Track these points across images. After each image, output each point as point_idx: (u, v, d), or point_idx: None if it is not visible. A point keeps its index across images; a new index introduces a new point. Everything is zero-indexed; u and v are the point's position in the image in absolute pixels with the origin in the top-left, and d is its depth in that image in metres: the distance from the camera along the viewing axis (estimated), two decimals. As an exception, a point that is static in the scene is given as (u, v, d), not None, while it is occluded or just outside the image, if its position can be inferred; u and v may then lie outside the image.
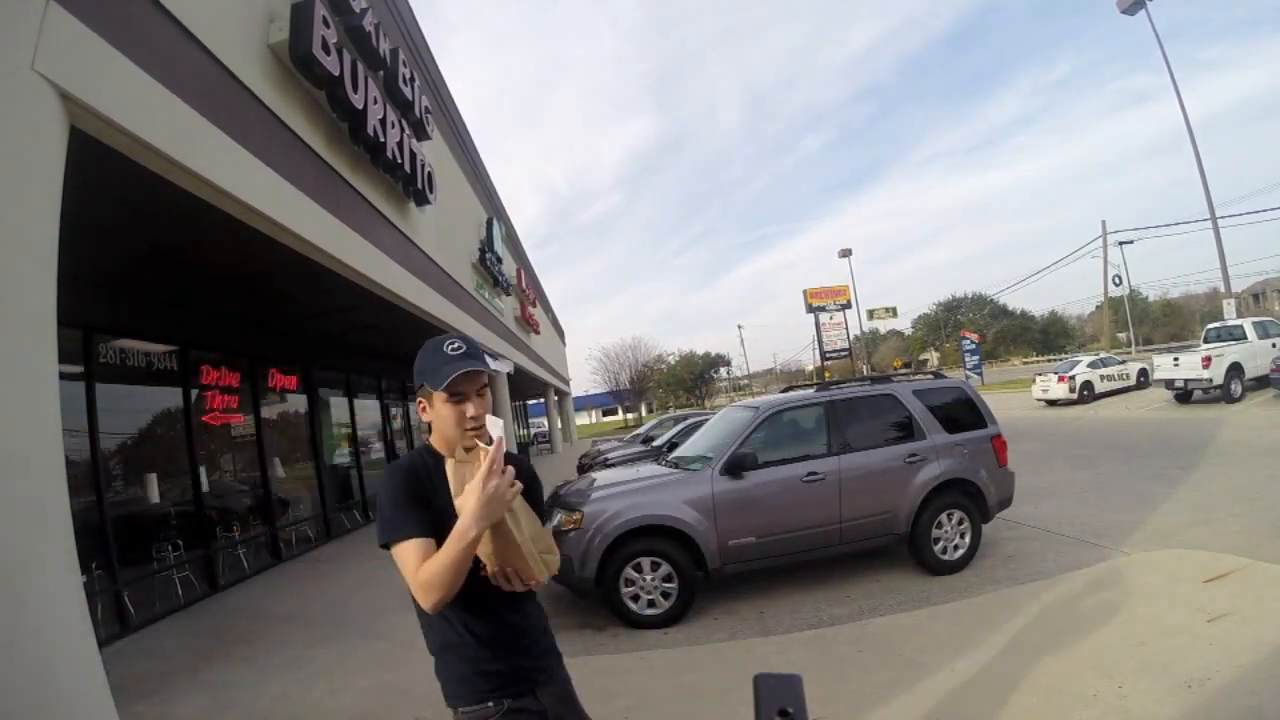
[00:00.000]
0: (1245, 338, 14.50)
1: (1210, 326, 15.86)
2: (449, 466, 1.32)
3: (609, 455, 11.31)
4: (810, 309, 35.16)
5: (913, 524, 4.92)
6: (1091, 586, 3.93)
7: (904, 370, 37.69)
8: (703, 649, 3.87)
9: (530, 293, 17.83)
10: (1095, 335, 51.65)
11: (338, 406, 10.58)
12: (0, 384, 2.12)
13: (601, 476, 5.69)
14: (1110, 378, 19.13)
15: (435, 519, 1.32)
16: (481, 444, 1.29)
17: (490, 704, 1.39)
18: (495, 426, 1.30)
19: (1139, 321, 43.37)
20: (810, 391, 5.57)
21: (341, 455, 10.34)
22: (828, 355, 35.51)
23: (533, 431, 36.37)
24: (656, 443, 11.59)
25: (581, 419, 57.03)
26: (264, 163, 4.05)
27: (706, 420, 7.28)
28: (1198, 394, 14.46)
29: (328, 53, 4.60)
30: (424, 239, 7.59)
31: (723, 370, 62.16)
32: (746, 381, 65.90)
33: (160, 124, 3.07)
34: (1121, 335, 39.81)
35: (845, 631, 3.86)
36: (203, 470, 6.55)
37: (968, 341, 33.60)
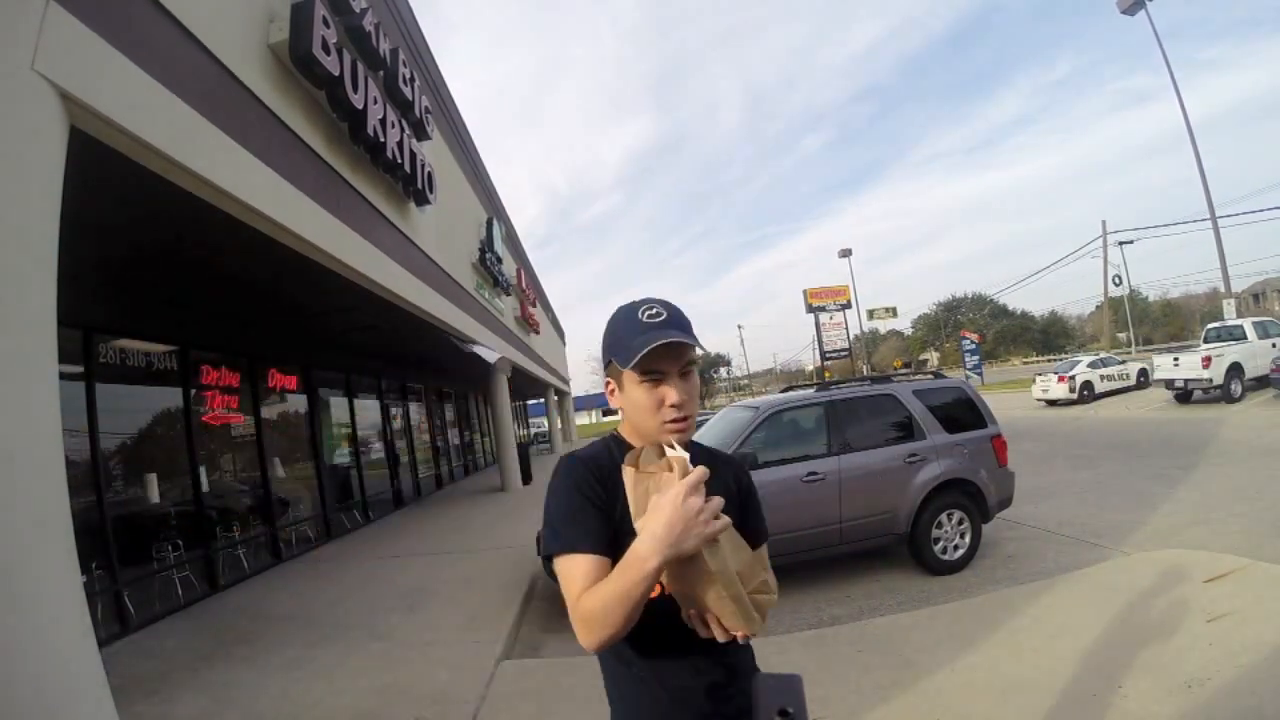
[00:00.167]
0: (1245, 338, 14.51)
1: (1210, 326, 15.86)
2: (627, 476, 1.02)
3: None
4: (810, 309, 35.15)
5: (913, 524, 4.92)
6: (1091, 587, 3.93)
7: (904, 370, 37.68)
8: (703, 649, 3.85)
9: (530, 293, 17.83)
10: (1095, 335, 51.65)
11: (338, 406, 10.57)
12: (0, 384, 2.12)
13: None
14: (1110, 378, 19.14)
15: (616, 530, 1.06)
16: (677, 447, 1.02)
17: None
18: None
19: (1139, 321, 43.38)
20: (810, 391, 5.57)
21: (341, 455, 10.33)
22: (828, 355, 35.51)
23: (533, 431, 36.40)
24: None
25: (581, 419, 57.00)
26: (264, 163, 4.05)
27: (706, 420, 7.28)
28: (1198, 394, 14.46)
29: (328, 53, 4.60)
30: (424, 239, 7.59)
31: (723, 370, 62.17)
32: (746, 381, 65.89)
33: (160, 124, 3.08)
34: (1121, 335, 39.82)
35: (845, 631, 3.86)
36: (203, 470, 6.55)
37: (968, 341, 33.61)
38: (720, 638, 1.00)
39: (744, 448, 4.87)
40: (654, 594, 0.96)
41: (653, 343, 1.03)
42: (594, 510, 1.07)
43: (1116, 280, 31.81)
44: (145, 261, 5.13)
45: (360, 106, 5.15)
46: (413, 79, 6.57)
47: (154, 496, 5.89)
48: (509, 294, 13.90)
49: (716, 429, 5.81)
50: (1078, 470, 8.45)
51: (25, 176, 2.32)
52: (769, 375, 76.64)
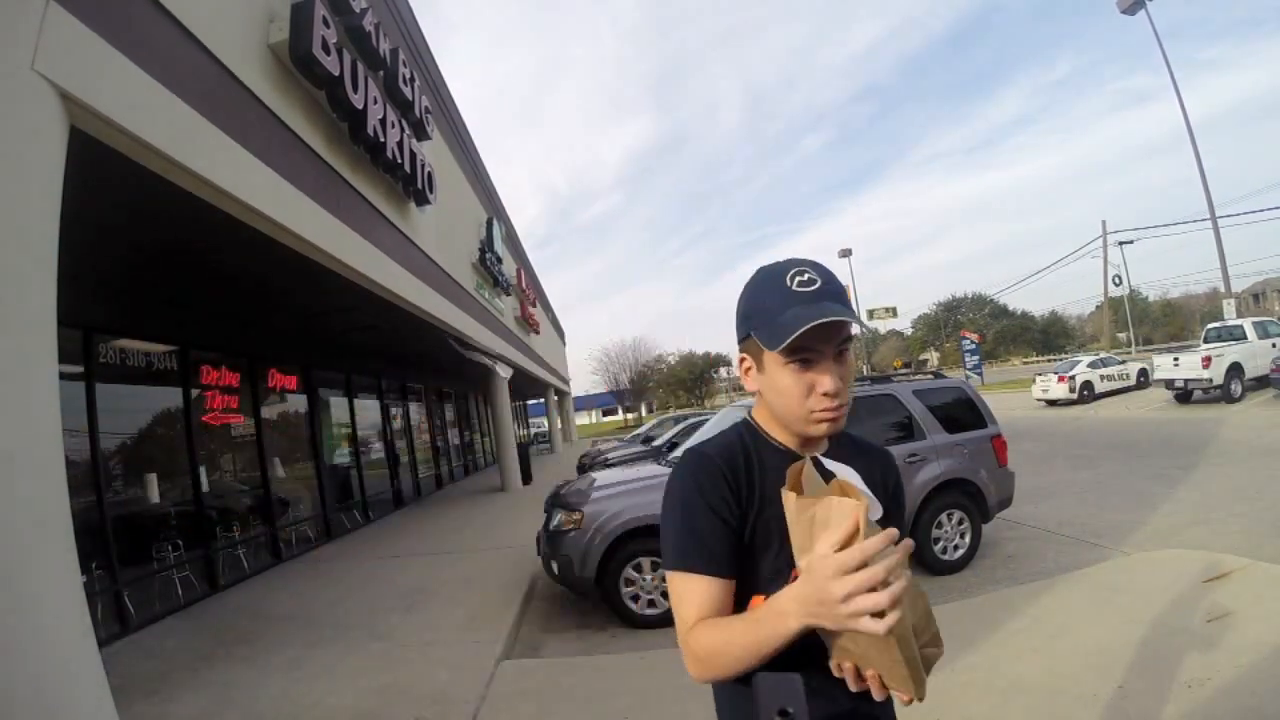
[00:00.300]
0: (1245, 338, 14.51)
1: (1210, 326, 15.87)
2: (788, 503, 0.84)
3: (609, 455, 11.32)
4: (810, 309, 35.07)
5: (913, 524, 4.92)
6: (1092, 587, 3.93)
7: (904, 370, 37.67)
8: (703, 649, 3.85)
9: (530, 293, 17.83)
10: (1095, 335, 51.67)
11: (338, 406, 10.57)
12: (0, 384, 2.12)
13: (601, 476, 5.69)
14: (1110, 378, 19.15)
15: (740, 541, 0.93)
16: (852, 477, 0.88)
17: None
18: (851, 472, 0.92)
19: (1139, 321, 43.38)
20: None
21: (341, 455, 10.33)
22: (828, 355, 35.40)
23: (533, 431, 36.41)
24: (656, 443, 11.60)
25: (581, 419, 57.07)
26: (264, 163, 4.05)
27: (706, 420, 7.28)
28: (1198, 394, 14.46)
29: (328, 53, 4.60)
30: (424, 239, 7.59)
31: (723, 370, 62.18)
32: (746, 381, 65.69)
33: (160, 124, 3.08)
34: (1121, 335, 39.83)
35: (845, 631, 3.85)
36: (203, 470, 6.55)
37: (968, 341, 33.59)
38: (878, 697, 0.82)
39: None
40: None
41: (807, 322, 0.86)
42: (719, 523, 0.92)
43: (1116, 280, 31.83)
44: (145, 261, 5.13)
45: (360, 106, 5.15)
46: (413, 79, 6.57)
47: (154, 496, 5.89)
48: (509, 294, 13.90)
49: (716, 429, 5.82)
50: (1078, 470, 8.45)
51: (25, 176, 2.32)
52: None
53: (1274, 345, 14.17)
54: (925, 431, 5.14)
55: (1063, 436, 12.25)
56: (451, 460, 17.38)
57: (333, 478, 9.71)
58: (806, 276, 0.93)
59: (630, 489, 4.86)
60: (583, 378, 58.22)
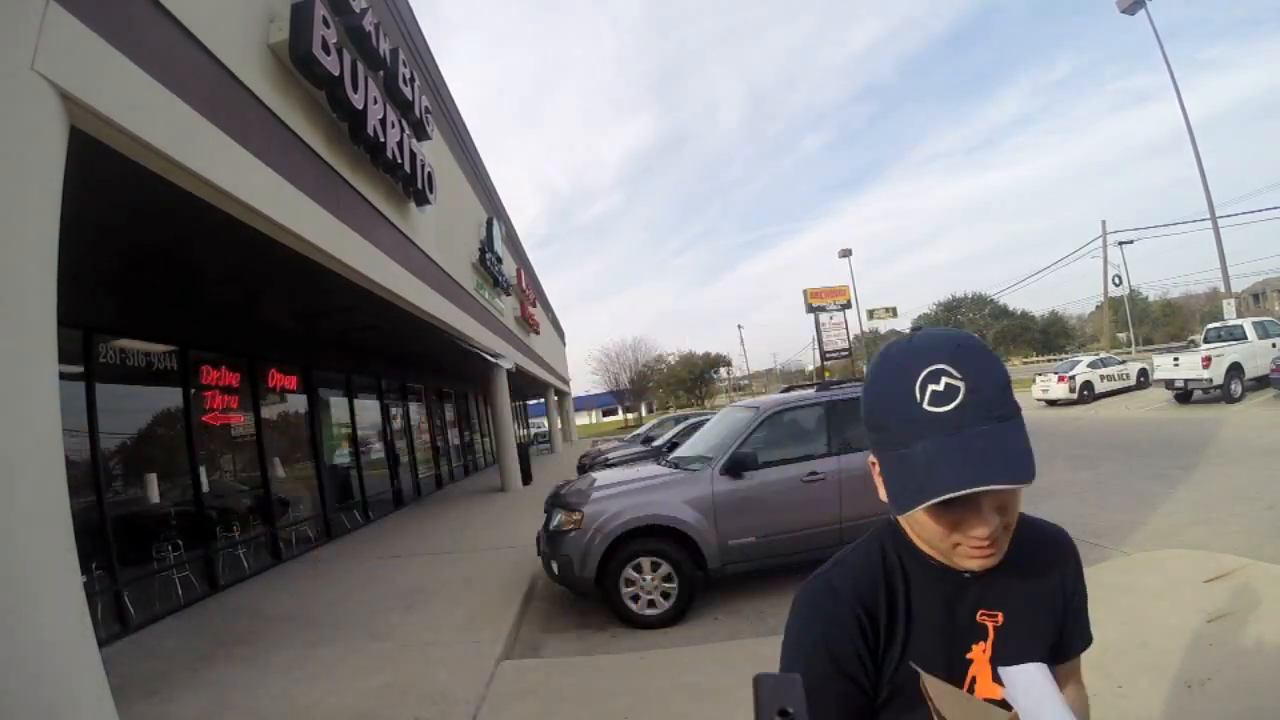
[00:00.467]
0: (1245, 338, 14.51)
1: (1210, 326, 15.87)
2: (934, 693, 0.73)
3: (609, 455, 11.31)
4: (810, 309, 35.16)
5: (913, 524, 4.92)
6: (1091, 586, 3.90)
7: (904, 370, 37.58)
8: (703, 649, 3.86)
9: (530, 293, 17.83)
10: (1095, 335, 51.68)
11: (338, 406, 10.57)
12: (0, 384, 2.12)
13: (602, 476, 5.69)
14: (1110, 378, 19.16)
15: (874, 699, 0.80)
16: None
17: None
18: (1023, 684, 0.75)
19: (1139, 321, 43.39)
20: (810, 391, 5.57)
21: (341, 455, 10.33)
22: (828, 355, 35.52)
23: (533, 431, 36.42)
24: (656, 443, 11.60)
25: (581, 419, 57.07)
26: (264, 163, 4.05)
27: (706, 420, 7.28)
28: (1198, 394, 14.46)
29: (328, 53, 4.60)
30: (424, 239, 7.59)
31: (723, 370, 62.20)
32: (746, 381, 65.92)
33: (160, 124, 3.08)
34: (1121, 335, 39.82)
35: (845, 631, 3.85)
36: (203, 470, 6.55)
37: (968, 341, 33.49)
38: None
39: (744, 448, 4.88)
40: None
41: (936, 493, 0.67)
42: (846, 685, 0.78)
43: (1116, 280, 31.83)
44: (145, 261, 5.13)
45: (360, 106, 5.15)
46: (413, 79, 6.57)
47: (154, 496, 5.89)
48: (509, 294, 13.90)
49: (716, 429, 5.82)
50: (1078, 470, 8.45)
51: (25, 176, 2.32)
52: (769, 375, 76.68)
53: (1274, 345, 14.17)
54: (925, 431, 5.13)
55: (1063, 436, 12.25)
56: (451, 460, 17.38)
57: (333, 478, 9.71)
58: (944, 385, 0.69)
59: (630, 489, 4.86)
60: (583, 378, 58.25)
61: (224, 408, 7.18)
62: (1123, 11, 19.30)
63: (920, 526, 0.79)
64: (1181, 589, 3.60)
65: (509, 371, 12.71)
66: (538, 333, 18.93)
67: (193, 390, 6.63)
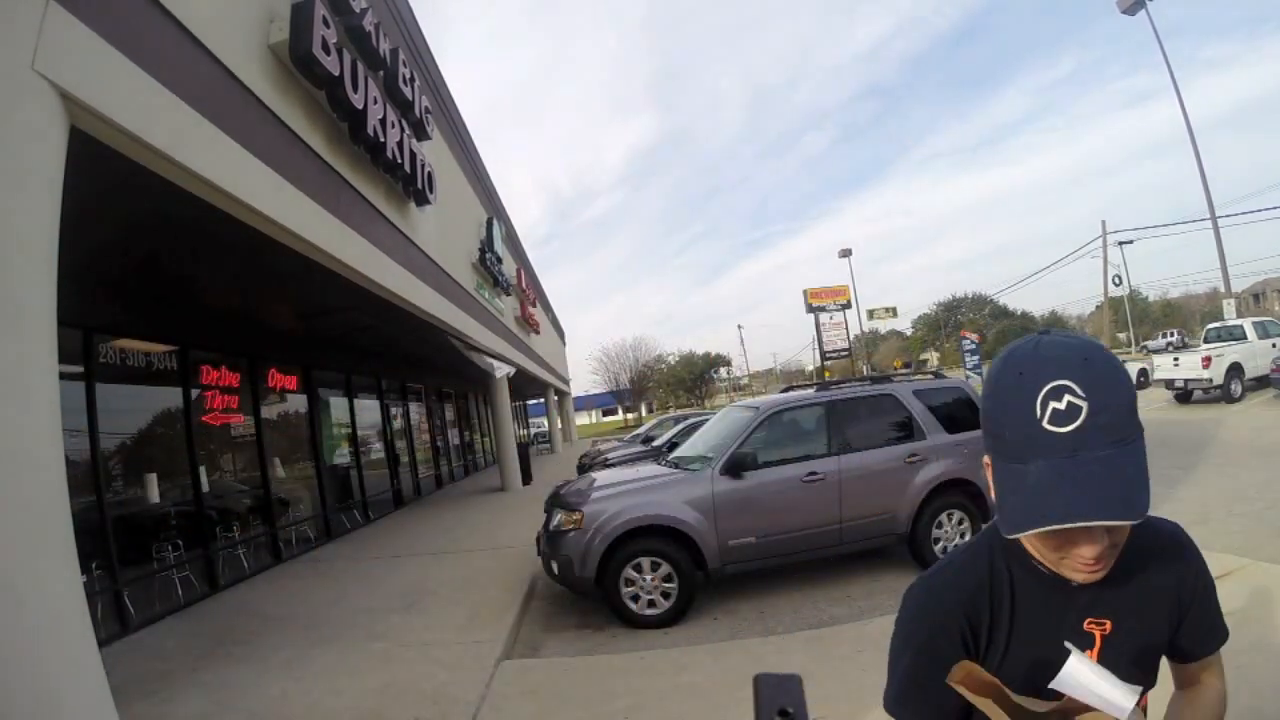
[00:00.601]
0: (1245, 338, 14.52)
1: (1210, 326, 15.88)
2: (979, 704, 0.73)
3: (609, 455, 11.31)
4: (810, 309, 35.16)
5: (913, 524, 4.93)
6: (1091, 586, 3.92)
7: (904, 370, 37.71)
8: (703, 649, 3.86)
9: (530, 292, 17.83)
10: (1095, 335, 51.65)
11: (338, 406, 10.57)
12: (0, 384, 2.12)
13: (601, 476, 5.69)
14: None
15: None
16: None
17: None
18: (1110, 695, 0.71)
19: (1139, 321, 43.41)
20: (810, 391, 5.57)
21: (341, 455, 10.34)
22: (828, 355, 35.52)
23: (533, 431, 36.43)
24: (656, 443, 11.59)
25: (581, 419, 57.06)
26: (264, 162, 4.05)
27: (706, 420, 7.28)
28: (1198, 394, 14.47)
29: (328, 53, 4.60)
30: (424, 239, 7.59)
31: (723, 370, 62.22)
32: (746, 381, 65.94)
33: (160, 124, 3.07)
34: (1121, 335, 39.82)
35: (845, 631, 3.86)
36: (203, 470, 6.55)
37: (968, 341, 33.57)
38: None
39: (744, 448, 4.88)
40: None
41: (1047, 521, 0.66)
42: (937, 678, 0.78)
43: (1116, 280, 31.84)
44: (145, 261, 5.13)
45: (360, 106, 5.15)
46: (413, 79, 6.57)
47: (154, 496, 5.89)
48: (509, 294, 13.90)
49: (716, 429, 5.82)
50: (1078, 470, 8.44)
51: (25, 176, 2.32)
52: (769, 375, 76.71)
53: (1274, 345, 14.17)
54: (925, 431, 5.14)
55: (1063, 436, 12.24)
56: (451, 460, 17.38)
57: (333, 478, 9.72)
58: (1066, 404, 0.66)
59: (630, 489, 4.86)
60: (583, 378, 58.21)
61: (224, 408, 7.18)
62: (1123, 12, 19.31)
63: (1031, 543, 0.77)
64: (1181, 589, 3.60)
65: (508, 375, 12.71)
66: (538, 332, 18.93)
67: (193, 390, 6.63)
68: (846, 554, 5.05)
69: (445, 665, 3.85)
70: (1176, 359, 14.89)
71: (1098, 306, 47.10)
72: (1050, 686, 0.74)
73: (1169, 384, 14.94)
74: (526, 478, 13.65)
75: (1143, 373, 19.34)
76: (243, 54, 3.97)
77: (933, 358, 60.65)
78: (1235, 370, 13.79)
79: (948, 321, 61.70)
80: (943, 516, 5.00)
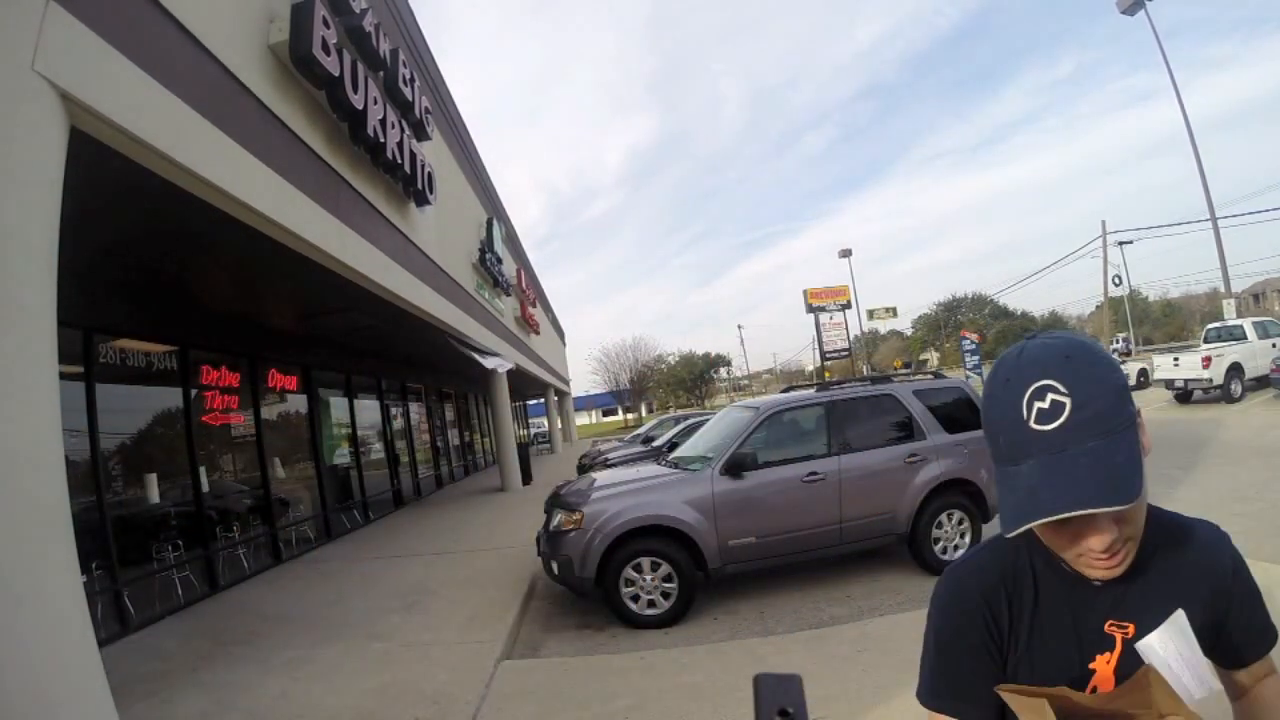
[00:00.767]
0: (1245, 338, 14.52)
1: (1210, 326, 15.88)
2: (1015, 706, 0.74)
3: (609, 455, 11.31)
4: (810, 309, 35.16)
5: (913, 524, 4.92)
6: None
7: (904, 370, 37.72)
8: (703, 649, 3.87)
9: (530, 293, 17.83)
10: (1095, 335, 51.69)
11: (338, 406, 10.57)
12: (1, 384, 2.12)
13: (601, 476, 5.69)
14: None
15: (998, 673, 0.82)
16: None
17: None
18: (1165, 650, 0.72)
19: (1139, 321, 43.42)
20: (810, 392, 5.57)
21: (341, 455, 10.33)
22: (828, 355, 35.53)
23: (533, 431, 36.43)
24: (656, 443, 11.59)
25: (581, 419, 57.06)
26: (264, 163, 4.05)
27: (706, 420, 7.28)
28: (1198, 394, 14.47)
29: (328, 53, 4.60)
30: (424, 239, 7.59)
31: (723, 370, 62.23)
32: (746, 381, 65.94)
33: (160, 124, 3.08)
34: (1121, 335, 39.83)
35: (845, 631, 3.86)
36: (203, 470, 6.55)
37: (968, 341, 33.59)
38: None
39: (744, 448, 4.88)
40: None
41: (1036, 517, 0.67)
42: (978, 663, 0.82)
43: (1116, 280, 31.84)
44: (145, 262, 5.13)
45: (360, 107, 5.15)
46: (413, 79, 6.57)
47: (154, 496, 5.89)
48: (509, 294, 13.90)
49: (716, 429, 5.82)
50: (1078, 470, 8.44)
51: (25, 177, 2.32)
52: (769, 375, 76.72)
53: (1274, 345, 14.18)
54: (925, 431, 5.14)
55: (1063, 436, 12.25)
56: (451, 460, 17.38)
57: (332, 478, 9.71)
58: (1049, 402, 0.68)
59: (630, 489, 4.86)
60: (583, 378, 58.22)
61: (224, 408, 7.18)
62: (1122, 12, 19.31)
63: (1046, 540, 0.77)
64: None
65: (510, 370, 12.70)
66: (537, 333, 18.93)
67: (193, 390, 6.63)
68: (846, 554, 5.05)
69: (445, 665, 3.85)
70: (1177, 359, 14.89)
71: (1098, 306, 47.10)
72: (1138, 647, 0.74)
73: (1169, 384, 14.94)
74: (526, 478, 13.65)
75: (1143, 373, 19.34)
76: (243, 54, 3.97)
77: (933, 358, 60.67)
78: (1235, 370, 13.79)
79: (948, 321, 61.71)
80: (943, 517, 5.00)
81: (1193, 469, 7.52)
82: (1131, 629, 0.81)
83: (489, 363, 10.67)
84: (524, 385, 21.99)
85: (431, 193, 7.21)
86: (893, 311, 45.91)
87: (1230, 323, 15.66)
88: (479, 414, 22.42)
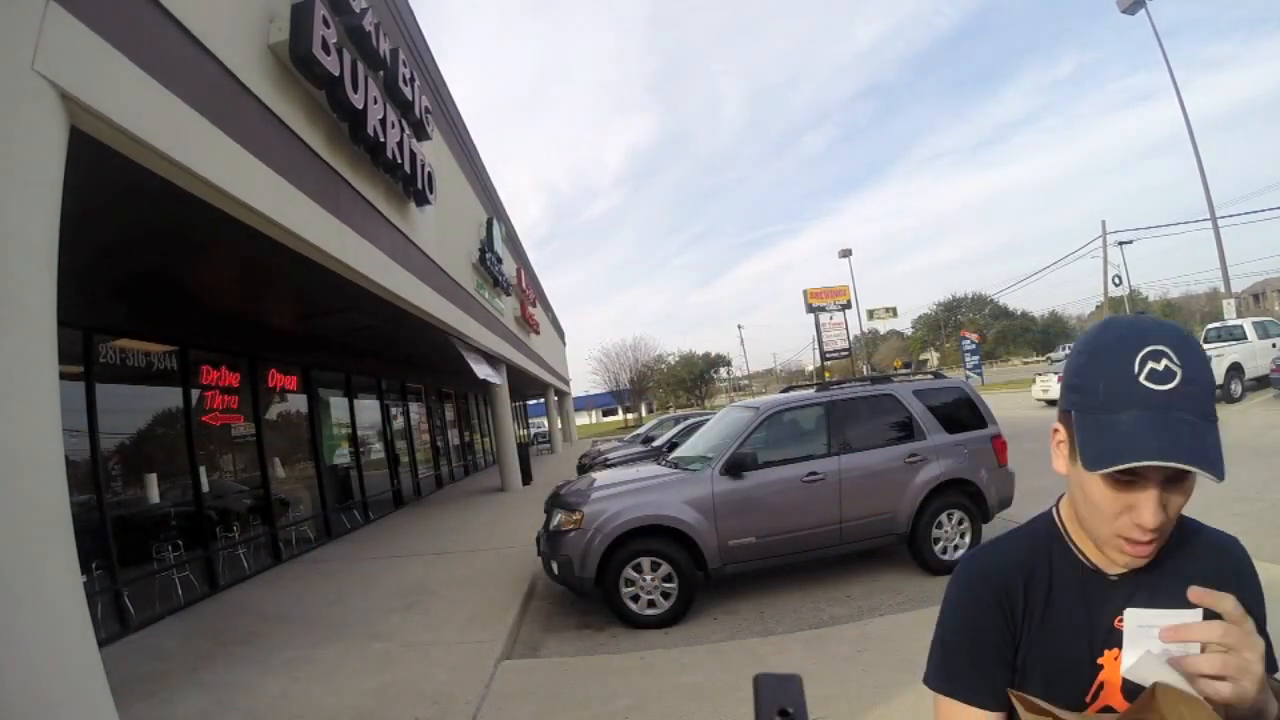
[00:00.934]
0: (1245, 338, 14.52)
1: (1210, 326, 15.88)
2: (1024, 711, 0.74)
3: (609, 455, 11.32)
4: (810, 309, 35.18)
5: (913, 524, 4.93)
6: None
7: (904, 370, 37.72)
8: (703, 649, 3.87)
9: (530, 293, 17.83)
10: (1095, 335, 51.54)
11: (338, 406, 10.57)
12: (1, 384, 2.12)
13: (601, 476, 5.69)
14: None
15: (1012, 662, 0.82)
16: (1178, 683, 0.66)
17: None
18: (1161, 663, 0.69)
19: (1139, 321, 43.25)
20: (810, 391, 5.57)
21: (341, 455, 10.33)
22: (828, 355, 35.55)
23: (533, 431, 36.43)
24: (656, 443, 11.59)
25: (581, 419, 57.07)
26: (264, 162, 4.05)
27: (706, 420, 7.28)
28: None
29: (328, 53, 4.60)
30: (424, 239, 7.59)
31: (723, 370, 62.23)
32: (746, 381, 65.94)
33: (160, 124, 3.07)
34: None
35: (845, 631, 3.86)
36: (203, 470, 6.55)
37: (968, 341, 33.66)
38: None
39: (744, 448, 4.88)
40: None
41: (1138, 457, 0.68)
42: (988, 646, 0.82)
43: (1116, 280, 31.81)
44: (144, 262, 5.13)
45: (360, 106, 5.15)
46: (413, 79, 6.57)
47: (154, 496, 5.89)
48: (509, 294, 13.90)
49: (716, 429, 5.82)
50: (1078, 470, 8.44)
51: (26, 176, 2.32)
52: (769, 375, 76.73)
53: (1274, 345, 14.18)
54: (925, 431, 5.14)
55: (1063, 436, 12.25)
56: (451, 460, 17.38)
57: (332, 478, 9.72)
58: (1164, 366, 0.69)
59: (630, 489, 4.86)
60: (583, 378, 58.22)
61: (224, 408, 7.18)
62: (1123, 12, 19.31)
63: (1091, 502, 0.76)
64: (1181, 589, 3.60)
65: (499, 383, 12.69)
66: (537, 333, 18.93)
67: (193, 390, 6.63)
68: (846, 554, 5.05)
69: (445, 665, 3.85)
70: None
71: (1098, 306, 47.06)
72: (1125, 674, 0.73)
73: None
74: (526, 478, 13.65)
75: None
76: (243, 54, 3.97)
77: (933, 358, 60.67)
78: (1235, 370, 13.79)
79: (948, 321, 61.71)
80: (943, 516, 5.00)
81: (1193, 469, 7.52)
82: None
83: (481, 372, 10.63)
84: (524, 385, 21.99)
85: (431, 192, 7.20)
86: (893, 311, 45.95)
87: (1230, 323, 15.66)
88: (479, 414, 22.42)
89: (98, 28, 2.71)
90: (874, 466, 4.98)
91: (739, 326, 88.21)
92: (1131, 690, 0.74)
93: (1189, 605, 0.75)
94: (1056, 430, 0.82)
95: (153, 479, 5.92)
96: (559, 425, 29.32)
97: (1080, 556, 0.83)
